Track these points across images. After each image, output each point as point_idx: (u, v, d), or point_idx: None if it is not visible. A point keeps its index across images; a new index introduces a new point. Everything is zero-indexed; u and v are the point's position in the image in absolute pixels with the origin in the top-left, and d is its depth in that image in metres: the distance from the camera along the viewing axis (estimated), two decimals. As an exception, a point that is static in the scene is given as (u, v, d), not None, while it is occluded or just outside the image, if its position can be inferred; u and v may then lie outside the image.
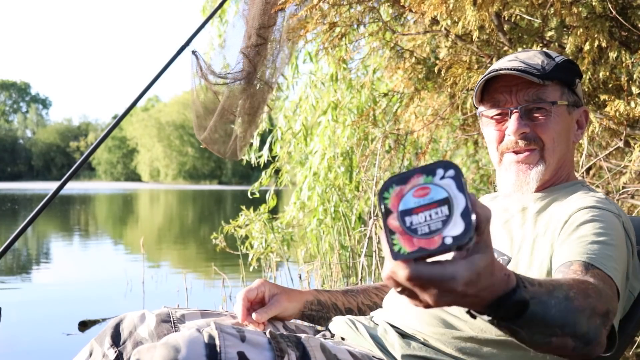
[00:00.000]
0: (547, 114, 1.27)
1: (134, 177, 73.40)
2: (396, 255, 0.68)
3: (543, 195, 1.29)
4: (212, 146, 3.93)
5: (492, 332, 1.19)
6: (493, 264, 0.71)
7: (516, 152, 1.30)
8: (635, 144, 2.38)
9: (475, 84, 1.33)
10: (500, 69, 1.26)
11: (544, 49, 1.36)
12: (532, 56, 1.30)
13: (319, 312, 1.43)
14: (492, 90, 1.31)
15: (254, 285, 1.37)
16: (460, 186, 0.69)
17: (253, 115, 3.59)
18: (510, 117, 1.28)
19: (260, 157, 4.85)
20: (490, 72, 1.28)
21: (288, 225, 4.69)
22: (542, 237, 1.21)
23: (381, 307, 1.43)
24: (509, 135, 1.29)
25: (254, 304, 1.36)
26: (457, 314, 1.23)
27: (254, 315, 1.32)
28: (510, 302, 0.77)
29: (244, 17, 3.37)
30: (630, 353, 2.78)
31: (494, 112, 1.31)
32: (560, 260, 1.09)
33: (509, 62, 1.29)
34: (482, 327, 1.20)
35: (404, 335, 1.26)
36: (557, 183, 1.32)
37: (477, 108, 1.37)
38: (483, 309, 0.77)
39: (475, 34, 2.28)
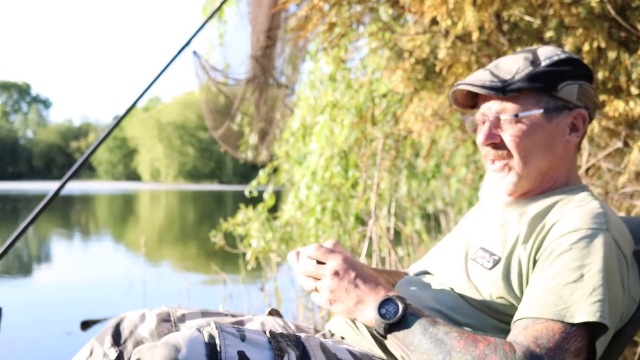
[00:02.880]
0: (513, 126, 1.26)
1: (135, 177, 73.29)
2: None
3: (542, 200, 1.28)
4: (226, 144, 3.98)
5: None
6: (347, 262, 1.14)
7: (492, 161, 1.31)
8: (634, 144, 2.38)
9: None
10: (465, 82, 1.28)
11: (541, 47, 1.34)
12: (511, 62, 1.29)
13: None
14: (480, 98, 1.33)
15: (328, 243, 1.29)
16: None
17: (271, 116, 3.62)
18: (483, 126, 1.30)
19: (258, 155, 4.86)
20: (458, 84, 1.30)
21: (286, 224, 4.69)
22: (529, 241, 1.20)
23: None
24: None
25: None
26: (455, 306, 1.24)
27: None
28: (386, 309, 1.07)
29: (247, 18, 3.39)
30: (636, 357, 2.78)
31: (478, 118, 1.32)
32: (524, 307, 1.09)
33: (482, 71, 1.30)
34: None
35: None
36: (553, 188, 1.31)
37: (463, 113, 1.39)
38: (371, 319, 1.10)
39: (475, 34, 2.29)
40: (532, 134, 1.26)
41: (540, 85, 1.25)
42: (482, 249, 1.26)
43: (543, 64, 1.27)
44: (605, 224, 1.16)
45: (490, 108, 1.28)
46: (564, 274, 1.09)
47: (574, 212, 1.19)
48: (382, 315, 1.08)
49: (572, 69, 1.28)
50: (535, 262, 1.17)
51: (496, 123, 1.28)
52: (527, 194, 1.31)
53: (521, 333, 1.04)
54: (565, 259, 1.11)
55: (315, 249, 1.18)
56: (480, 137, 1.29)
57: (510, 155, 1.28)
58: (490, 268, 1.21)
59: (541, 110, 1.25)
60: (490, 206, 1.37)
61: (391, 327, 1.07)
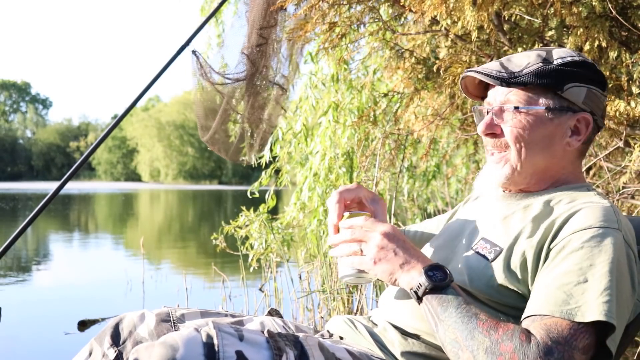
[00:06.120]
0: (513, 118, 1.27)
1: (134, 177, 73.37)
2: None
3: (546, 196, 1.28)
4: (214, 147, 3.95)
5: None
6: (396, 230, 1.19)
7: (492, 152, 1.33)
8: (635, 144, 2.38)
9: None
10: (473, 70, 1.30)
11: (558, 48, 1.34)
12: (523, 57, 1.30)
13: None
14: (489, 88, 1.33)
15: (351, 186, 1.34)
16: None
17: (259, 117, 3.59)
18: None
19: (261, 157, 4.84)
20: (467, 71, 1.32)
21: (288, 225, 4.68)
22: (536, 236, 1.20)
23: None
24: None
25: (349, 206, 1.33)
26: None
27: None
28: (434, 272, 1.12)
29: (245, 17, 3.37)
30: (636, 357, 2.78)
31: (484, 107, 1.34)
32: (535, 303, 1.10)
33: (494, 62, 1.32)
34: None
35: (403, 332, 1.26)
36: (554, 186, 1.30)
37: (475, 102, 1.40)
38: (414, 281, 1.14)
39: (474, 35, 2.28)
40: (532, 129, 1.26)
41: (546, 82, 1.25)
42: (483, 240, 1.27)
43: (555, 62, 1.27)
44: (616, 222, 1.16)
45: (496, 98, 1.29)
46: (574, 273, 1.09)
47: (585, 209, 1.19)
48: (429, 277, 1.12)
49: (583, 71, 1.27)
50: (545, 257, 1.16)
51: (499, 114, 1.29)
52: (526, 189, 1.31)
53: (532, 326, 1.07)
54: (576, 257, 1.11)
55: (364, 219, 1.23)
56: (481, 126, 1.31)
57: (507, 147, 1.29)
58: (492, 260, 1.21)
59: (543, 108, 1.25)
60: (491, 198, 1.38)
61: (432, 291, 1.12)
